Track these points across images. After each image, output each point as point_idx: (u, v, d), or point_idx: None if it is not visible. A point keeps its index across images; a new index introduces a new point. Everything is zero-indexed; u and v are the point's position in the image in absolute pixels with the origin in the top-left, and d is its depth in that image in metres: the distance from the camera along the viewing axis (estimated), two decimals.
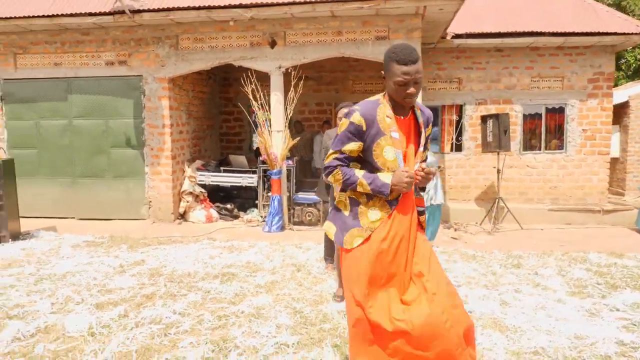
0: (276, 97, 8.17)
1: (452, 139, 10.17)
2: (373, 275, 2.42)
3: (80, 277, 5.30)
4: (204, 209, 8.83)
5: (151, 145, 8.57)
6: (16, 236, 7.11)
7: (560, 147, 9.87)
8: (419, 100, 7.63)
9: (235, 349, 3.51)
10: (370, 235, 2.45)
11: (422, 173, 2.44)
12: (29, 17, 7.91)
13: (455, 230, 8.34)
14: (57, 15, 7.88)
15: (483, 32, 9.11)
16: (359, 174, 2.49)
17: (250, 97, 8.02)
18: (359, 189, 2.48)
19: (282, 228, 7.95)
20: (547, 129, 9.86)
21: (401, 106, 2.51)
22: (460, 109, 10.04)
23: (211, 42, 8.33)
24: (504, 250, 6.51)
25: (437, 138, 10.09)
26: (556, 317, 4.08)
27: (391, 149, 2.45)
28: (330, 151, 2.54)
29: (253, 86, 7.96)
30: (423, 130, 2.57)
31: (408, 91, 2.40)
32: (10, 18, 7.93)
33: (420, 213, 2.64)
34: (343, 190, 2.57)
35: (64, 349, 3.62)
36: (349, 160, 2.54)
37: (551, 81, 9.70)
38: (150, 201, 8.68)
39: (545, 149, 9.91)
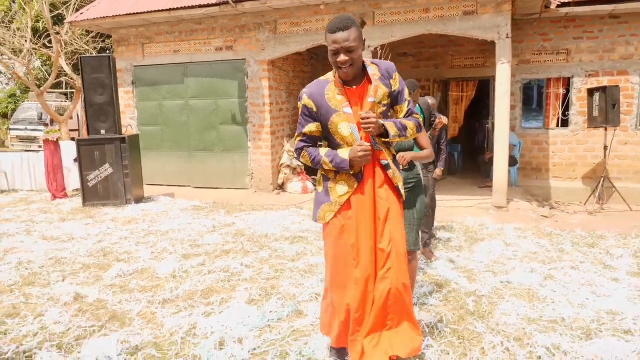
0: None
1: (559, 114, 9.72)
2: (337, 254, 2.61)
3: (179, 234, 6.25)
4: (300, 181, 9.54)
5: (253, 122, 9.44)
6: (139, 200, 8.40)
7: None
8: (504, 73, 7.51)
9: (277, 295, 4.09)
10: (340, 210, 2.59)
11: (362, 120, 2.45)
12: (151, 11, 9.11)
13: (552, 208, 8.09)
14: (174, 9, 8.96)
15: None
16: (322, 152, 2.59)
17: None
18: (325, 167, 2.60)
19: None
20: None
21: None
22: (567, 82, 9.53)
23: (306, 26, 8.89)
24: (589, 230, 6.27)
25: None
26: (599, 293, 4.05)
27: (346, 125, 2.53)
28: (296, 134, 2.71)
29: None
30: (380, 88, 2.58)
31: (338, 59, 2.42)
32: (138, 13, 9.19)
33: (386, 167, 2.64)
34: (314, 169, 2.82)
35: (150, 285, 4.48)
36: (313, 140, 2.66)
37: None
38: (253, 173, 9.59)
39: None
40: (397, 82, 2.63)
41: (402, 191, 2.71)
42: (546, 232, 6.12)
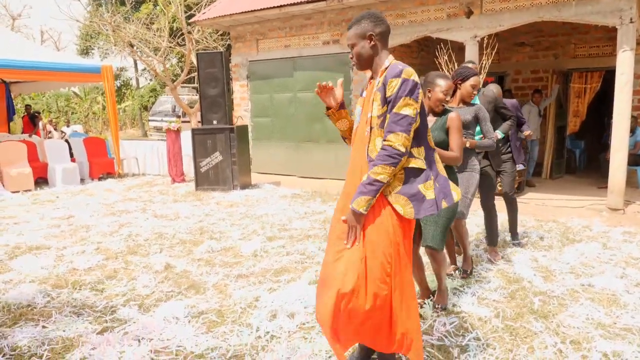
0: (471, 66, 8.20)
1: None
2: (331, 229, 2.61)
3: (271, 218, 6.60)
4: None
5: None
6: (245, 186, 8.97)
7: None
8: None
9: None
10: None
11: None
12: (264, 8, 9.62)
13: None
14: (285, 5, 9.39)
15: None
16: None
17: (444, 68, 8.27)
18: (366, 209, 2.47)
19: None
20: None
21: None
22: None
23: (410, 17, 8.80)
24: None
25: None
26: None
27: (359, 107, 2.62)
28: None
29: (446, 57, 8.19)
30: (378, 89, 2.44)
31: (350, 56, 2.57)
32: (252, 11, 9.77)
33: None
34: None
35: (232, 261, 4.84)
36: None
37: None
38: None
39: None
40: (392, 89, 2.35)
41: (402, 210, 2.38)
42: None
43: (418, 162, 2.42)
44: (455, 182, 3.47)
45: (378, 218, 2.39)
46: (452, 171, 3.53)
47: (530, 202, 7.39)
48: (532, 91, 9.90)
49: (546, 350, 2.90)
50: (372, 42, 2.46)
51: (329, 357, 2.91)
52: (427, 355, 2.89)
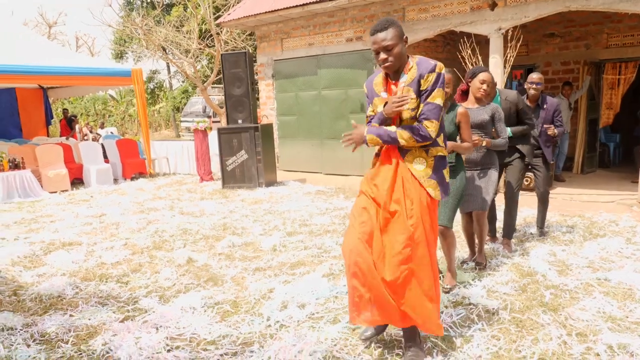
0: (495, 60, 8.15)
1: None
2: (352, 211, 2.85)
3: (293, 214, 6.72)
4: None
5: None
6: (270, 184, 9.12)
7: None
8: None
9: None
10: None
11: (395, 98, 2.66)
12: (288, 7, 9.76)
13: None
14: (307, 4, 9.50)
15: None
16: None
17: (467, 61, 8.22)
18: (372, 145, 2.78)
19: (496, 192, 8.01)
20: None
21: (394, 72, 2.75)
22: None
23: (434, 11, 8.78)
24: None
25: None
26: None
27: (382, 106, 2.79)
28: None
29: (470, 51, 8.14)
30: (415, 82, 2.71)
31: (379, 57, 2.68)
32: (276, 10, 9.92)
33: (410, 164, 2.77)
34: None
35: (251, 255, 4.98)
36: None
37: None
38: None
39: None
40: (428, 83, 2.68)
41: (433, 193, 2.76)
42: None
43: (443, 151, 2.81)
44: (463, 166, 3.84)
45: (418, 198, 2.71)
46: (460, 160, 3.83)
47: (558, 197, 7.27)
48: (562, 83, 9.71)
49: (550, 342, 2.91)
50: (406, 44, 2.71)
51: (334, 344, 3.00)
52: (431, 345, 2.95)
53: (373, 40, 2.68)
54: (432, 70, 2.66)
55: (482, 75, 4.19)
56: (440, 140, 2.78)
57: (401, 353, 2.87)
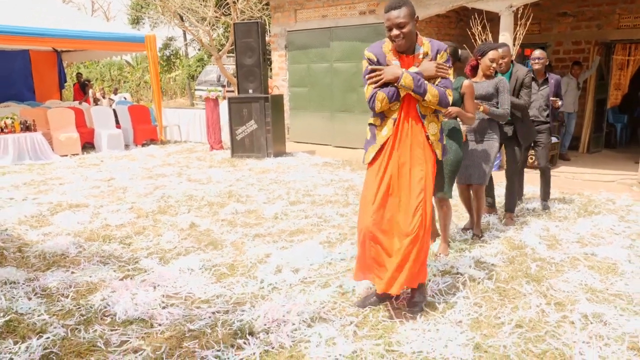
0: (504, 37, 8.06)
1: None
2: (366, 182, 3.07)
3: (298, 184, 6.84)
4: None
5: None
6: (279, 154, 9.22)
7: None
8: None
9: (352, 240, 4.39)
10: (380, 149, 2.98)
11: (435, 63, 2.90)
12: None
13: None
14: None
15: None
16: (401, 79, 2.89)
17: (477, 38, 8.16)
18: (403, 86, 2.84)
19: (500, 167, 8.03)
20: None
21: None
22: None
23: None
24: None
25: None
26: None
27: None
28: (365, 87, 3.02)
29: (480, 27, 8.07)
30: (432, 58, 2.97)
31: (392, 33, 2.83)
32: None
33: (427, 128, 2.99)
34: (379, 112, 2.99)
35: (253, 222, 5.12)
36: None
37: None
38: None
39: None
40: (443, 59, 2.95)
41: (439, 153, 3.05)
42: None
43: (443, 118, 3.20)
44: (460, 138, 3.95)
45: (430, 158, 2.99)
46: (459, 131, 3.97)
47: (561, 175, 7.29)
48: (571, 63, 9.61)
49: (529, 310, 3.02)
50: (416, 23, 2.88)
51: (323, 307, 3.13)
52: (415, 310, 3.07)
53: (387, 17, 2.83)
54: (446, 50, 2.95)
55: (491, 54, 4.30)
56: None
57: (387, 315, 3.00)
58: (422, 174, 2.94)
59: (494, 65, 4.29)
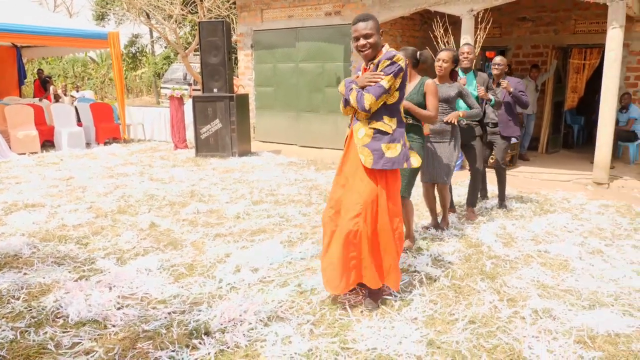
0: (465, 40, 8.21)
1: None
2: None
3: (262, 184, 6.82)
4: None
5: None
6: (244, 154, 9.18)
7: None
8: None
9: (312, 240, 4.41)
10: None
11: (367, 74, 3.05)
12: None
13: None
14: None
15: None
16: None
17: (440, 41, 8.29)
18: (340, 92, 3.18)
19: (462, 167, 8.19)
20: None
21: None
22: None
23: None
24: None
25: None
26: None
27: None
28: None
29: (442, 31, 8.21)
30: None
31: (358, 43, 3.03)
32: None
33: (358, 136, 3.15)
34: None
35: (215, 222, 5.08)
36: None
37: None
38: None
39: None
40: (381, 67, 2.99)
41: (363, 159, 3.07)
42: (635, 212, 5.56)
43: (385, 127, 3.06)
44: (422, 142, 4.01)
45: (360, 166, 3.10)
46: (420, 130, 4.01)
47: (519, 175, 7.49)
48: (530, 66, 9.87)
49: (483, 306, 3.10)
50: (381, 37, 3.04)
51: (280, 306, 3.14)
52: (371, 308, 3.10)
53: (354, 29, 3.01)
54: (389, 59, 2.97)
55: (440, 54, 4.52)
56: (386, 118, 3.07)
57: (344, 312, 3.03)
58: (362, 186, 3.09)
59: (440, 64, 4.48)
